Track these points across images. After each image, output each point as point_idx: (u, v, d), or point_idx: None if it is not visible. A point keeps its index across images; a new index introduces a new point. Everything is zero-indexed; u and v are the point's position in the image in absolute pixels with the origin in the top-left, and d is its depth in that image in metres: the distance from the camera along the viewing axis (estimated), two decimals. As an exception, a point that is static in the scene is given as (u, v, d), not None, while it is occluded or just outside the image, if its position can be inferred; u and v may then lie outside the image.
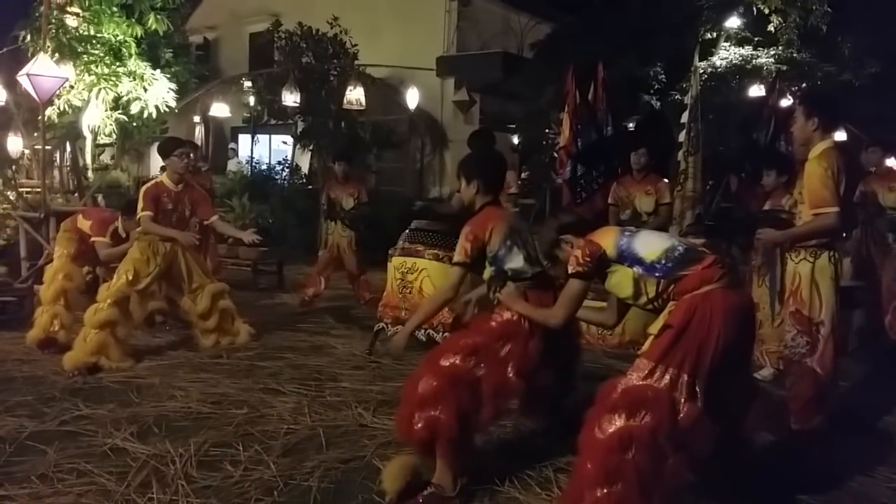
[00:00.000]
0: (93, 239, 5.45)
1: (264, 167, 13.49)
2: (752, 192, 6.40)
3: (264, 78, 12.43)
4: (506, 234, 3.26)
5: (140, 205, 5.12)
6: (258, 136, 15.52)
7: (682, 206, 7.47)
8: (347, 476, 3.17)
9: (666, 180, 6.39)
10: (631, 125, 12.18)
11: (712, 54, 11.02)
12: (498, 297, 3.31)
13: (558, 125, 8.91)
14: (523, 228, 3.42)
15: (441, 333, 4.93)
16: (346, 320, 6.49)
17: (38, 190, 7.40)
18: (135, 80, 8.73)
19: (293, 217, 10.68)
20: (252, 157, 14.46)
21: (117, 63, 8.64)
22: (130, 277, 4.97)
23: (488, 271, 3.33)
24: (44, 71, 6.70)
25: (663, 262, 2.80)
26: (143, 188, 5.29)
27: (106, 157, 12.49)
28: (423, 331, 4.98)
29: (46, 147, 8.36)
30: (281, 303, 7.39)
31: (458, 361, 2.98)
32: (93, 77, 8.48)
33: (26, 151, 10.37)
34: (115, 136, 9.98)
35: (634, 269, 2.85)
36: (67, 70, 7.54)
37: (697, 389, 2.59)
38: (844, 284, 4.01)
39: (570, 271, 2.99)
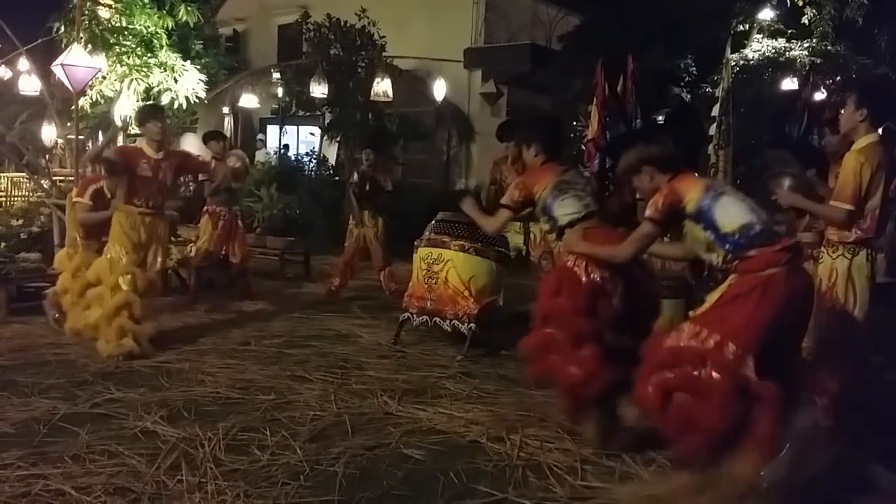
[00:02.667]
0: (74, 199, 5.37)
1: (292, 157, 13.59)
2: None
3: (292, 69, 12.49)
4: (556, 185, 3.47)
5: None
6: (286, 126, 15.62)
7: (712, 200, 7.38)
8: (373, 463, 3.19)
9: (696, 174, 6.30)
10: (660, 118, 12.04)
11: (744, 46, 10.83)
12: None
13: (586, 118, 8.83)
14: (579, 181, 3.63)
15: (466, 324, 4.94)
16: (372, 310, 6.53)
17: (72, 178, 7.53)
18: (165, 71, 8.82)
19: (320, 208, 10.74)
20: (285, 147, 14.51)
21: (149, 54, 8.74)
22: (128, 254, 4.86)
23: (542, 222, 3.59)
24: (77, 61, 6.79)
25: (737, 237, 2.84)
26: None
27: (137, 148, 12.68)
28: (448, 322, 5.00)
29: (79, 136, 8.50)
30: (307, 292, 7.44)
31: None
32: (125, 68, 8.58)
33: (60, 141, 10.57)
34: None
35: (707, 232, 2.90)
36: (100, 61, 7.65)
37: (749, 363, 2.65)
38: (878, 281, 3.95)
39: (647, 214, 3.06)
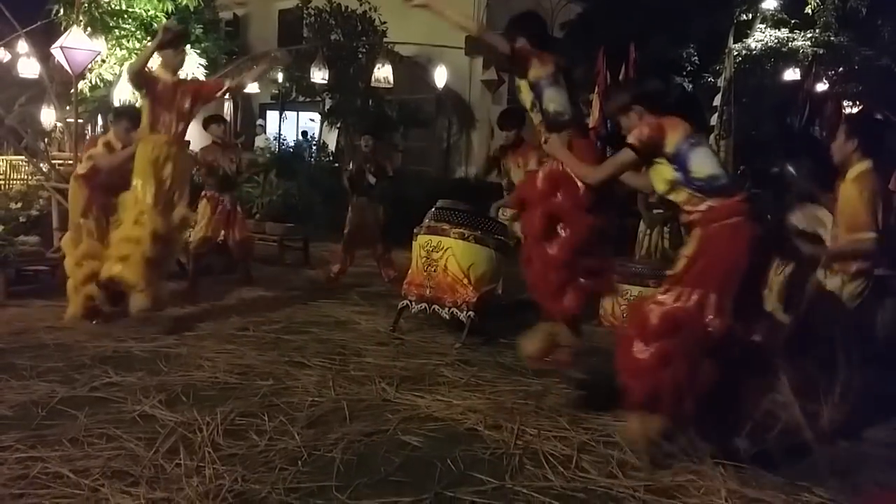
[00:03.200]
0: (87, 153, 5.24)
1: (291, 144, 13.57)
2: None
3: (293, 54, 12.45)
4: (553, 72, 3.65)
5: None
6: (286, 112, 15.56)
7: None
8: (370, 449, 3.20)
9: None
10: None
11: (747, 36, 10.81)
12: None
13: (588, 106, 8.81)
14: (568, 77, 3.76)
15: (465, 312, 4.95)
16: (371, 297, 6.53)
17: (71, 162, 7.50)
18: (165, 54, 8.78)
19: (319, 194, 10.73)
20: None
21: (148, 38, 8.71)
22: (152, 189, 4.75)
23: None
24: (77, 44, 6.77)
25: (703, 183, 3.05)
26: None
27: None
28: (447, 309, 5.01)
29: (79, 120, 8.47)
30: (306, 278, 7.44)
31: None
32: (124, 52, 8.57)
33: (59, 124, 10.52)
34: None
35: (677, 173, 3.08)
36: (100, 44, 7.62)
37: (726, 306, 2.92)
38: (878, 274, 3.95)
39: (628, 140, 3.18)
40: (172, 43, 4.96)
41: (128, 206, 4.86)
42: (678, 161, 3.07)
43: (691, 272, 3.01)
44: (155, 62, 5.16)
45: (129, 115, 5.32)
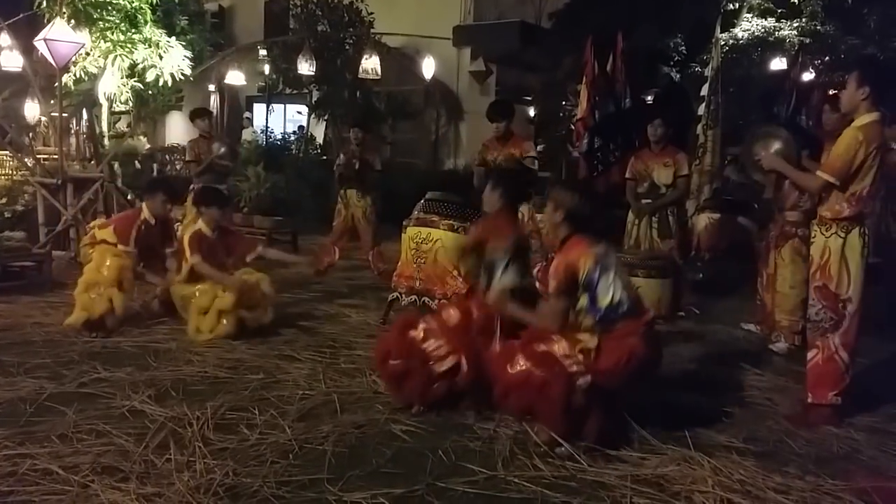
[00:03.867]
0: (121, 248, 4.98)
1: (279, 137, 13.48)
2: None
3: (279, 46, 12.37)
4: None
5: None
6: (273, 105, 15.45)
7: (700, 180, 7.39)
8: (361, 441, 3.20)
9: (684, 152, 6.31)
10: (649, 98, 12.03)
11: (734, 26, 10.83)
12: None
13: (576, 97, 8.82)
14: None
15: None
16: (360, 290, 6.52)
17: (56, 157, 7.43)
18: (150, 47, 8.72)
19: (307, 187, 10.68)
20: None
21: (133, 30, 8.63)
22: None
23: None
24: (60, 36, 6.69)
25: (607, 310, 3.12)
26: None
27: (122, 125, 12.54)
28: (436, 301, 5.00)
29: (63, 114, 8.37)
30: (295, 272, 7.41)
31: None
32: (108, 44, 8.47)
33: (43, 118, 10.40)
34: (130, 104, 9.98)
35: (584, 299, 3.14)
36: (83, 36, 7.53)
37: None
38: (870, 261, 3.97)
39: (551, 290, 3.26)
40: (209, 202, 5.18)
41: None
42: (589, 288, 3.14)
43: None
44: None
45: (164, 187, 5.33)
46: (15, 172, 9.30)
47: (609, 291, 3.13)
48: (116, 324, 4.81)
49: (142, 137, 12.95)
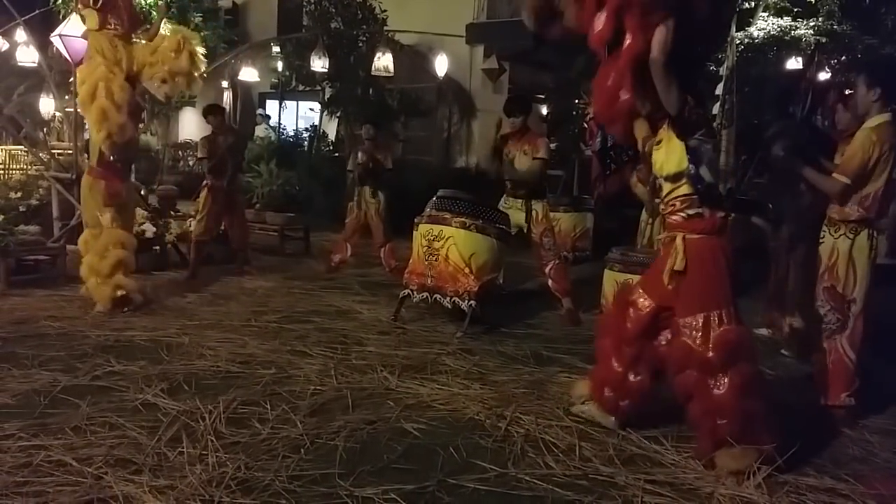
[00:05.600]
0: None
1: (291, 134, 13.47)
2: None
3: (293, 43, 12.37)
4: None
5: None
6: (286, 102, 15.47)
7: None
8: (373, 437, 3.21)
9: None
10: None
11: (750, 24, 10.73)
12: None
13: (589, 95, 8.77)
14: None
15: (466, 301, 4.94)
16: (372, 287, 6.52)
17: (70, 151, 7.48)
18: (164, 43, 8.73)
19: (319, 184, 10.70)
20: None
21: (146, 26, 8.64)
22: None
23: None
24: (75, 32, 6.71)
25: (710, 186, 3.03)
26: None
27: (136, 121, 12.57)
28: (448, 298, 5.01)
29: (77, 109, 8.42)
30: (307, 268, 7.43)
31: None
32: (123, 40, 8.49)
33: (58, 113, 10.46)
34: (144, 100, 10.01)
35: (690, 165, 3.00)
36: (99, 32, 7.57)
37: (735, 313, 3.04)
38: (880, 262, 3.95)
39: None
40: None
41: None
42: (693, 155, 2.98)
43: (694, 294, 3.06)
44: None
45: None
46: (30, 167, 9.39)
47: (710, 170, 3.06)
48: (139, 296, 5.26)
49: (149, 135, 13.00)
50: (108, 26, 5.10)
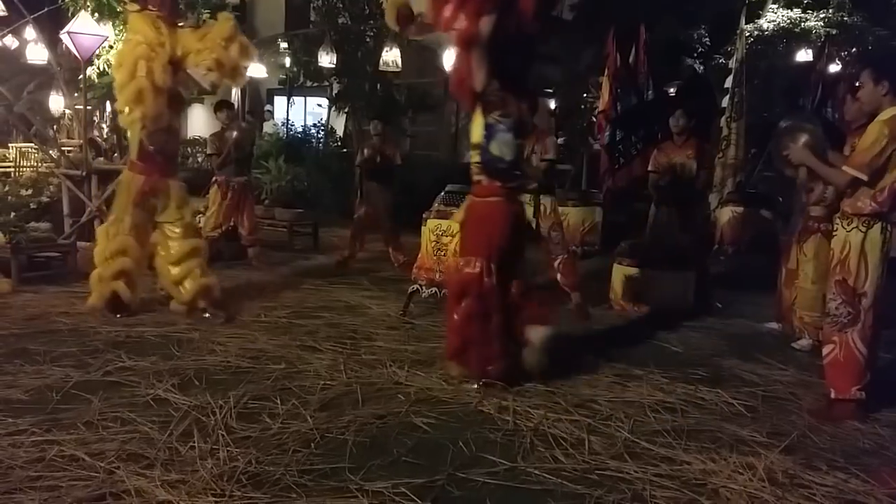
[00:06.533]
0: None
1: (300, 129, 13.49)
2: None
3: (300, 39, 12.38)
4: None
5: None
6: (293, 97, 15.49)
7: (724, 173, 7.34)
8: (382, 431, 3.22)
9: (707, 145, 6.24)
10: (672, 90, 11.91)
11: (759, 16, 10.67)
12: None
13: (597, 89, 8.75)
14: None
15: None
16: (381, 282, 6.53)
17: (80, 149, 7.52)
18: (173, 39, 8.75)
19: (328, 180, 10.71)
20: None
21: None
22: None
23: None
24: (84, 29, 6.75)
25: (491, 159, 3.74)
26: None
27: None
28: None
29: (87, 107, 8.47)
30: (316, 264, 7.45)
31: None
32: (132, 37, 8.51)
33: (68, 111, 10.53)
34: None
35: (483, 139, 3.73)
36: (107, 29, 7.60)
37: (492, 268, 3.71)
38: (893, 255, 3.92)
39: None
40: None
41: None
42: (488, 130, 3.69)
43: (465, 242, 3.85)
44: None
45: None
46: (40, 164, 9.45)
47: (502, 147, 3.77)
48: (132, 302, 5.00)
49: None
50: (149, 7, 4.81)
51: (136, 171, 4.99)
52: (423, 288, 5.18)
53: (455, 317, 3.76)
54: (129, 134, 5.06)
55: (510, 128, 3.74)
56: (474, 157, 3.82)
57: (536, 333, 3.78)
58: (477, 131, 3.77)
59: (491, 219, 3.74)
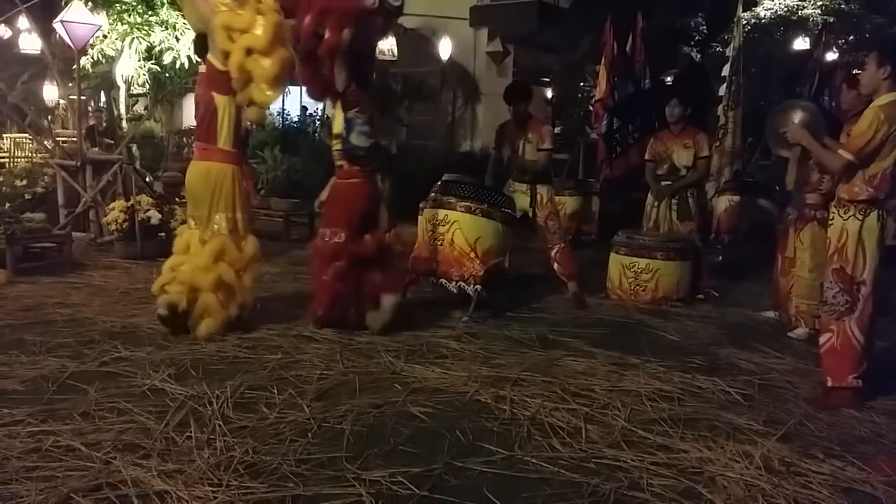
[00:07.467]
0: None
1: (295, 119, 13.41)
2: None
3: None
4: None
5: None
6: (289, 87, 15.39)
7: (721, 161, 7.32)
8: (379, 420, 3.22)
9: (704, 133, 6.23)
10: (669, 78, 11.90)
11: (756, 4, 10.65)
12: None
13: (594, 78, 8.75)
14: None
15: (472, 286, 4.94)
16: (377, 272, 6.50)
17: (75, 139, 7.49)
18: (167, 29, 8.70)
19: (324, 169, 10.65)
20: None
21: (150, 12, 8.62)
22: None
23: None
24: (78, 18, 6.71)
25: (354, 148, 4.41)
26: None
27: (139, 108, 12.60)
28: (454, 283, 5.00)
29: (81, 97, 8.42)
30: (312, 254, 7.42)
31: None
32: (125, 26, 8.48)
33: (62, 101, 10.47)
34: (148, 87, 10.01)
35: (344, 130, 4.38)
36: (101, 19, 7.55)
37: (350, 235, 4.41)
38: (888, 244, 3.92)
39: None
40: None
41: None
42: (347, 123, 4.34)
43: (327, 216, 4.55)
44: None
45: None
46: (35, 154, 9.40)
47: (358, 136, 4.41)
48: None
49: (153, 122, 12.96)
50: None
51: (234, 162, 4.38)
52: (420, 277, 5.18)
53: (324, 277, 4.40)
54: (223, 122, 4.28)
55: (365, 122, 4.41)
56: (336, 145, 4.48)
57: (388, 300, 4.43)
58: (338, 124, 4.44)
59: (352, 196, 4.46)
